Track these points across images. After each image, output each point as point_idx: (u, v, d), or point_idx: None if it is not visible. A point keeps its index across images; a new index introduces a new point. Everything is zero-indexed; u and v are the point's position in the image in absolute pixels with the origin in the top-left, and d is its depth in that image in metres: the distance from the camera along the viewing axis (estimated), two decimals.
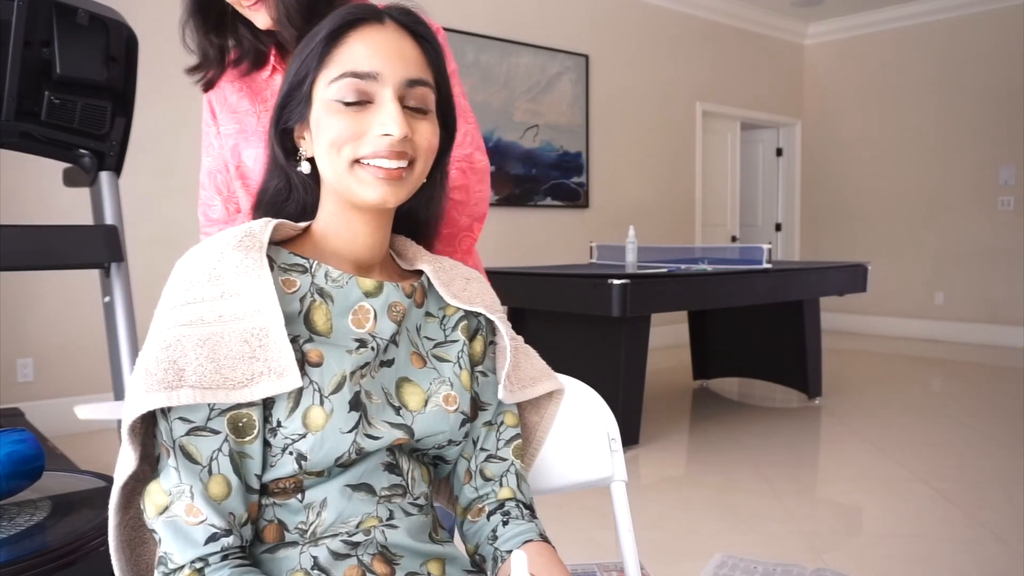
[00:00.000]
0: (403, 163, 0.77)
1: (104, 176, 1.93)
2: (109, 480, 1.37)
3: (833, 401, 4.59)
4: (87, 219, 2.20)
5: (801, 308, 4.39)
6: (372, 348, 0.79)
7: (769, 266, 4.11)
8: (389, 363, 0.82)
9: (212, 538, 0.69)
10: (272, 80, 1.21)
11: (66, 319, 3.82)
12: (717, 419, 4.25)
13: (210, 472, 0.70)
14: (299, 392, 0.73)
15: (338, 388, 0.75)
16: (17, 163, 3.60)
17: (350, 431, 0.74)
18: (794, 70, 7.95)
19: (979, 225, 6.82)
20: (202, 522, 0.69)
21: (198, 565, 0.69)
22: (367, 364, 0.78)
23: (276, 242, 0.82)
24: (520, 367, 0.93)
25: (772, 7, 7.26)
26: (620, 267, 4.15)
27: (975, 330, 6.86)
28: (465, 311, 0.90)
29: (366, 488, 0.78)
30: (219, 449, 0.71)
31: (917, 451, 3.56)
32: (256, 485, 0.73)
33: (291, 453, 0.72)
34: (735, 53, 7.30)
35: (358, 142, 0.76)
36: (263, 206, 0.87)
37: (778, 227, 8.05)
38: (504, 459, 0.91)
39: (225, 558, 0.70)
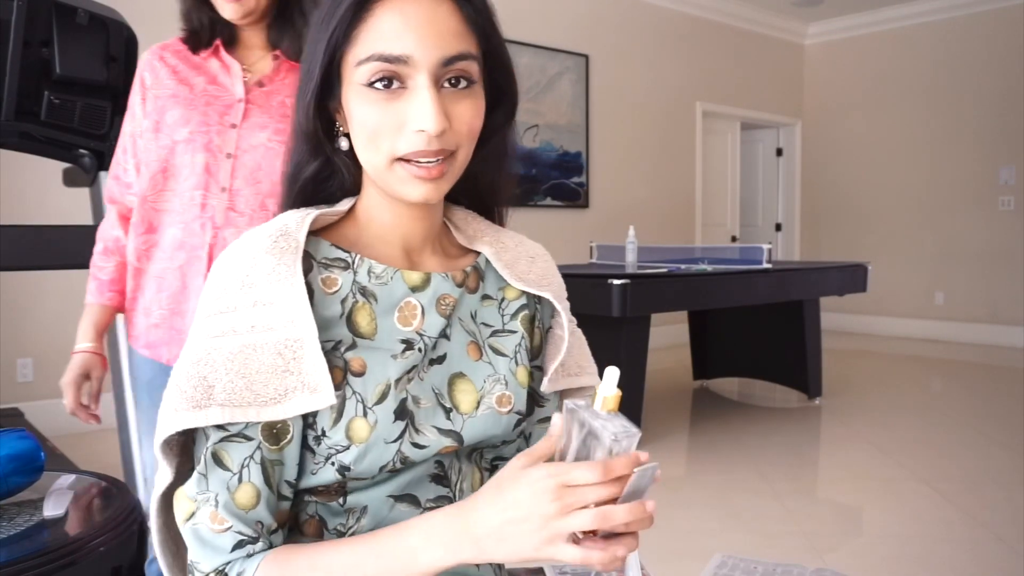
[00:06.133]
0: (443, 158, 0.71)
1: (104, 176, 1.93)
2: (109, 480, 1.37)
3: (833, 401, 4.59)
4: (87, 219, 2.20)
5: (801, 308, 4.39)
6: (419, 349, 0.75)
7: (769, 266, 4.11)
8: (440, 359, 0.77)
9: (239, 545, 0.67)
10: (207, 61, 1.40)
11: (66, 319, 3.82)
12: (717, 419, 4.25)
13: (240, 480, 0.68)
14: (342, 402, 0.70)
15: (382, 398, 0.71)
16: (17, 163, 3.60)
17: (395, 441, 0.71)
18: (794, 70, 7.95)
19: (979, 225, 6.82)
20: (228, 529, 0.67)
21: (220, 567, 0.68)
22: (414, 367, 0.74)
23: (317, 230, 0.77)
24: (572, 354, 0.88)
25: (772, 7, 7.26)
26: (620, 267, 4.15)
27: (975, 330, 6.86)
28: (527, 297, 0.85)
29: (410, 499, 0.75)
30: (251, 456, 0.68)
31: (917, 451, 3.56)
32: (288, 492, 0.71)
33: (333, 464, 0.70)
34: (735, 53, 7.30)
35: (395, 137, 0.69)
36: (297, 187, 0.79)
37: (778, 227, 8.05)
38: None
39: (249, 557, 0.68)
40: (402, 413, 0.72)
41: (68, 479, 1.33)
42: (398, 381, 0.73)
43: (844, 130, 7.70)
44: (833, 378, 5.18)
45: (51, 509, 1.18)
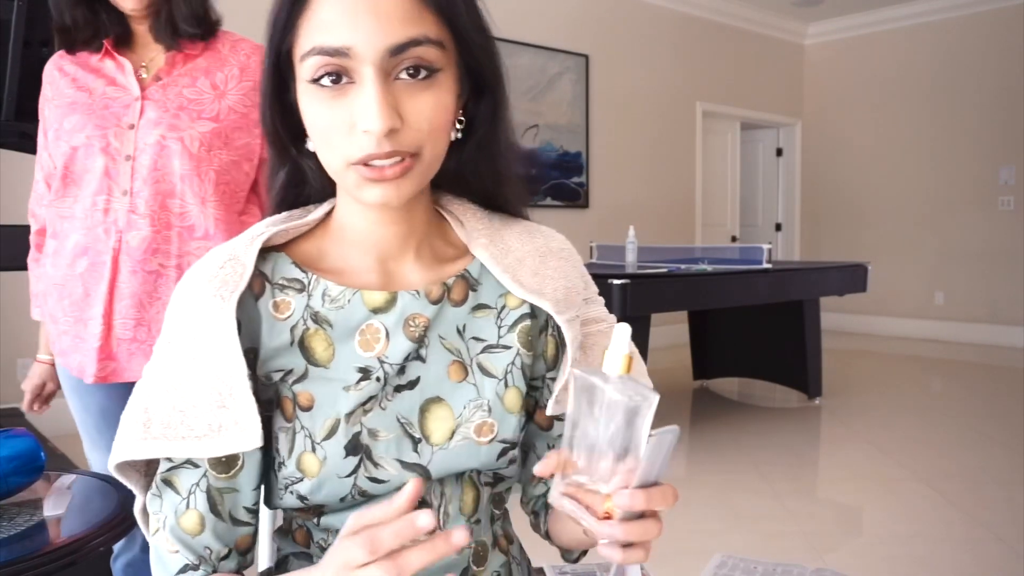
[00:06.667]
0: (400, 159, 0.63)
1: None
2: (109, 480, 1.37)
3: (833, 401, 4.59)
4: None
5: (801, 308, 4.39)
6: (378, 378, 0.69)
7: (769, 266, 4.11)
8: (412, 384, 0.70)
9: (183, 569, 0.68)
10: (103, 63, 1.36)
11: None
12: (717, 419, 4.25)
13: (187, 506, 0.67)
14: (292, 436, 0.68)
15: (331, 434, 0.67)
16: (17, 163, 3.61)
17: (349, 475, 0.67)
18: (794, 70, 7.94)
19: (979, 225, 6.82)
20: (176, 552, 0.68)
21: None
22: (372, 398, 0.69)
23: (286, 243, 0.73)
24: (596, 364, 0.77)
25: (772, 7, 7.26)
26: (620, 267, 4.15)
27: (975, 330, 6.86)
28: (532, 304, 0.74)
29: None
30: (197, 484, 0.67)
31: (917, 451, 3.56)
32: (246, 517, 0.70)
33: (292, 493, 0.69)
34: (735, 53, 7.30)
35: (348, 140, 0.63)
36: (276, 198, 0.76)
37: (778, 227, 8.05)
38: None
39: None
40: (355, 448, 0.67)
41: (68, 479, 1.33)
42: (350, 415, 0.68)
43: (844, 130, 7.70)
44: (833, 378, 5.18)
45: (51, 509, 1.18)
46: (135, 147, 1.32)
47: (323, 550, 0.73)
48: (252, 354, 0.68)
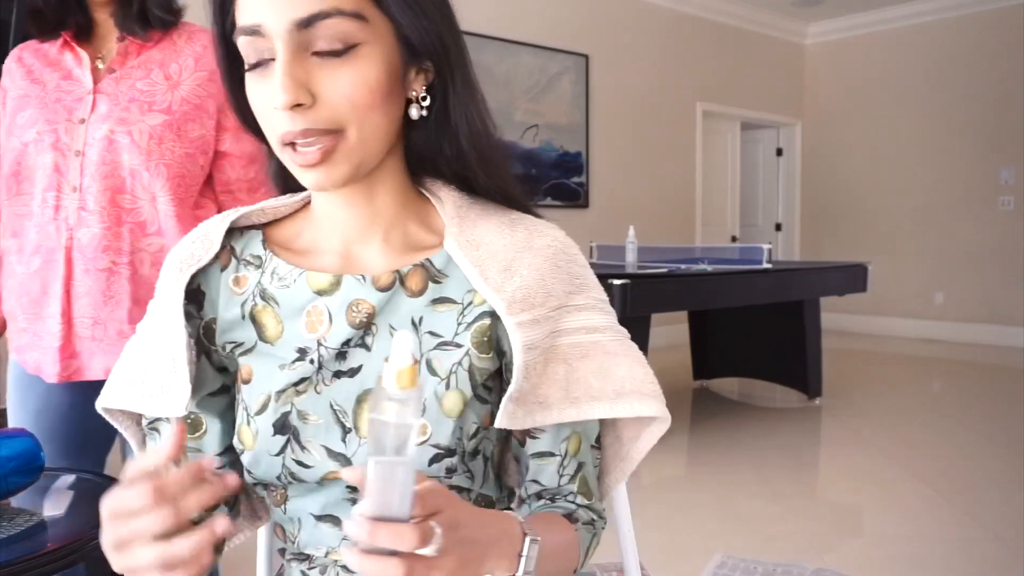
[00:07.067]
0: (319, 140, 0.61)
1: None
2: (109, 480, 1.37)
3: (833, 401, 4.59)
4: None
5: (801, 308, 4.39)
6: (312, 360, 0.68)
7: (769, 266, 4.11)
8: (352, 372, 0.68)
9: None
10: (62, 55, 1.35)
11: None
12: (717, 419, 4.25)
13: None
14: (238, 406, 0.71)
15: (262, 409, 0.68)
16: None
17: (278, 454, 0.68)
18: (794, 70, 7.94)
19: (979, 225, 6.82)
20: None
21: None
22: (305, 380, 0.68)
23: (267, 223, 0.75)
24: (582, 375, 0.70)
25: (772, 7, 7.26)
26: (620, 267, 4.15)
27: (975, 330, 6.86)
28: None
29: (332, 519, 0.69)
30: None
31: (917, 451, 3.56)
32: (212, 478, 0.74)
33: (241, 464, 0.71)
34: (735, 53, 7.30)
35: (271, 119, 0.63)
36: (275, 186, 0.78)
37: (778, 227, 8.05)
38: (569, 499, 0.74)
39: None
40: (283, 428, 0.68)
41: (68, 479, 1.33)
42: (281, 393, 0.68)
43: (844, 130, 7.70)
44: (833, 378, 5.18)
45: (51, 509, 1.18)
46: (84, 142, 1.29)
47: (292, 543, 0.74)
48: (214, 323, 0.73)
